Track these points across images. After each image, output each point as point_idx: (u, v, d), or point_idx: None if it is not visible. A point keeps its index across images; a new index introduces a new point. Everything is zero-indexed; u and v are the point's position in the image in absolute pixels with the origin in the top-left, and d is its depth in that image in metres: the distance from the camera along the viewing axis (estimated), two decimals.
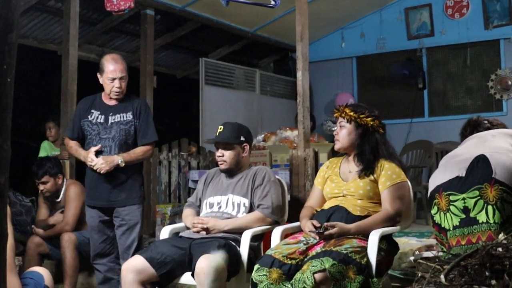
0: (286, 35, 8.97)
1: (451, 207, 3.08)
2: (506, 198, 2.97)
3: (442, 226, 3.15)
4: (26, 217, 6.22)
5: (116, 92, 4.32)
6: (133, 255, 4.11)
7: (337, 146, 3.68)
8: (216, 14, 8.15)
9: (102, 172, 4.20)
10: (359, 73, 9.97)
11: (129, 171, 4.31)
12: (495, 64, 8.71)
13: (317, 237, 3.36)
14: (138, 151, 4.31)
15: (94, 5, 6.96)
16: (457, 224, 3.05)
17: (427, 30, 9.14)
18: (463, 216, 3.02)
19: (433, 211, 3.22)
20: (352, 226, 3.37)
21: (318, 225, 3.38)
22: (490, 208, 2.96)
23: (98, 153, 4.26)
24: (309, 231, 3.41)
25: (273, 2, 4.68)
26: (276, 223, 3.91)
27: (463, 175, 3.07)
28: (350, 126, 3.61)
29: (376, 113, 3.70)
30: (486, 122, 3.54)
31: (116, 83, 4.29)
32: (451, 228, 3.08)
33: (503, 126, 3.61)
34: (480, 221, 2.97)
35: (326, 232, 3.31)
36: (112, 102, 4.39)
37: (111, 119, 4.33)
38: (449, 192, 3.09)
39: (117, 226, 4.34)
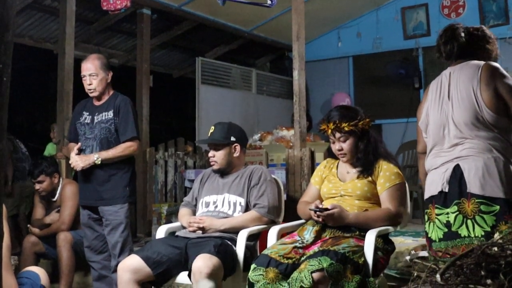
0: (282, 34, 8.96)
1: (436, 220, 3.10)
2: (484, 209, 2.95)
3: (429, 235, 3.17)
4: (26, 165, 6.61)
5: (88, 89, 4.40)
6: (120, 254, 4.22)
7: (346, 159, 3.62)
8: (213, 13, 8.15)
9: (78, 169, 4.29)
10: (356, 73, 9.97)
11: (111, 169, 4.33)
12: None
13: (317, 218, 3.37)
14: (117, 148, 4.31)
15: (90, 4, 6.96)
16: (441, 237, 3.07)
17: (423, 30, 9.14)
18: (446, 230, 3.04)
19: (425, 218, 3.24)
20: (351, 213, 3.40)
21: (320, 206, 3.40)
22: (469, 222, 2.97)
23: (81, 152, 4.35)
24: (310, 209, 3.43)
25: (269, 2, 4.67)
26: (273, 222, 3.91)
27: (446, 190, 3.07)
28: (352, 138, 3.57)
29: (361, 110, 3.68)
30: (463, 36, 3.25)
31: (87, 80, 4.37)
32: (437, 240, 3.09)
33: (483, 37, 3.31)
34: (462, 235, 2.98)
35: (326, 212, 3.33)
36: (99, 103, 4.45)
37: (96, 119, 4.39)
38: (436, 205, 3.11)
39: (104, 225, 4.38)
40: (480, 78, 3.10)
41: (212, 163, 4.05)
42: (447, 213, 3.05)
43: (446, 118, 3.16)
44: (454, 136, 3.12)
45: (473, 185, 2.99)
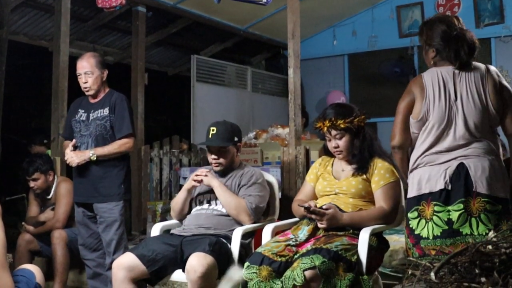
0: (278, 32, 8.95)
1: (434, 217, 3.09)
2: (490, 208, 3.00)
3: (416, 232, 3.15)
4: None
5: (83, 87, 4.41)
6: (115, 252, 4.22)
7: (342, 156, 3.63)
8: (208, 11, 8.14)
9: (73, 165, 4.30)
10: (351, 71, 9.95)
11: (107, 167, 4.34)
12: (486, 63, 8.60)
13: (310, 215, 3.38)
14: (113, 145, 4.32)
15: (85, 1, 6.93)
16: (438, 234, 3.06)
17: (418, 28, 9.14)
18: (446, 227, 3.04)
19: (411, 215, 3.21)
20: (345, 214, 3.40)
21: (312, 205, 3.41)
22: (473, 220, 2.99)
23: (76, 149, 4.36)
24: (299, 205, 3.46)
25: (264, 0, 4.67)
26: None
27: (449, 188, 3.07)
28: (348, 135, 3.58)
29: (356, 107, 3.69)
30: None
31: (82, 78, 4.38)
32: (431, 238, 3.08)
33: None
34: (464, 233, 3.00)
35: (319, 209, 3.33)
36: (94, 100, 4.46)
37: (91, 116, 4.40)
38: (435, 202, 3.10)
39: (98, 223, 4.38)
40: (487, 81, 3.23)
41: (215, 165, 4.00)
42: (449, 211, 3.05)
43: (454, 118, 3.17)
44: (460, 136, 3.13)
45: (480, 184, 3.02)
